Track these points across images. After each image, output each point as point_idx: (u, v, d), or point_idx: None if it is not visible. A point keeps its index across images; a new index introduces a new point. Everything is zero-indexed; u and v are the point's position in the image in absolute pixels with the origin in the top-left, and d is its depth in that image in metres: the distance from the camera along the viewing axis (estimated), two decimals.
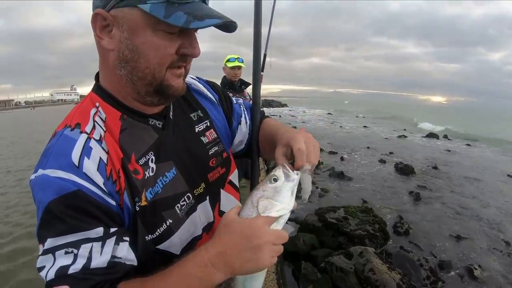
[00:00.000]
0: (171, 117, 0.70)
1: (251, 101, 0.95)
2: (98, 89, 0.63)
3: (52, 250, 0.50)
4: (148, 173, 0.61)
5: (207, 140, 0.77)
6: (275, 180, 0.56)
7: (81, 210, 0.51)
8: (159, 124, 0.67)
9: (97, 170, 0.54)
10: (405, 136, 17.44)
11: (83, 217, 0.51)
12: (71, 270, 0.50)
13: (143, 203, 0.59)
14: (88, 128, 0.57)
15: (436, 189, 7.37)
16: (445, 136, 18.43)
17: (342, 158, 10.03)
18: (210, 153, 0.77)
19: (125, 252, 0.55)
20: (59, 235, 0.50)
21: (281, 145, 0.66)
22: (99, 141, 0.57)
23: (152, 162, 0.63)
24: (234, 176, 0.84)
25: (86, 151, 0.54)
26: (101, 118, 0.60)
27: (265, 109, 8.89)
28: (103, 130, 0.59)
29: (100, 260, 0.52)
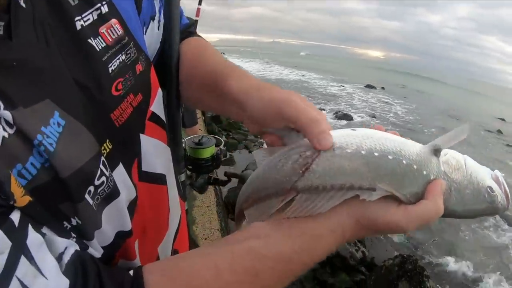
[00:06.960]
0: (23, 5, 0.30)
1: None
2: None
3: None
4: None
5: (104, 44, 0.38)
6: None
7: None
8: None
9: None
10: (343, 86, 17.89)
11: None
12: None
13: (21, 200, 0.27)
14: None
15: None
16: (382, 88, 19.42)
17: None
18: (111, 69, 0.38)
19: None
20: None
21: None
22: None
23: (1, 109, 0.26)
24: (157, 103, 0.49)
25: None
26: None
27: None
28: None
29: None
